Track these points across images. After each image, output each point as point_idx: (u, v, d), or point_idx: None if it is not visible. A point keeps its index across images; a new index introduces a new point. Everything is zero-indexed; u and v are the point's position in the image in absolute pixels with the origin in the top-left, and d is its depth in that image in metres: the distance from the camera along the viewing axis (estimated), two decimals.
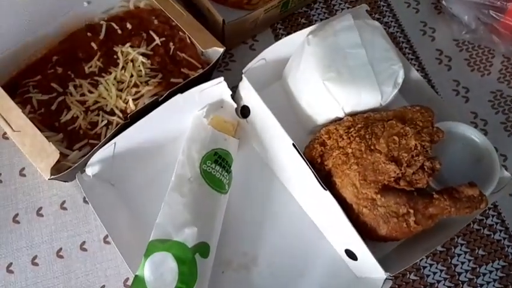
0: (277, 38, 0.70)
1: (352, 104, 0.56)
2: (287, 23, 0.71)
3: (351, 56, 0.56)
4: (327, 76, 0.55)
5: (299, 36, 0.61)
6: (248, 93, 0.58)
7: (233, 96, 0.59)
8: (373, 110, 0.56)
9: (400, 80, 0.57)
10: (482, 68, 0.70)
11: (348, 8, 0.73)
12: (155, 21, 0.62)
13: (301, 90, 0.59)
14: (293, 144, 0.53)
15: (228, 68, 0.67)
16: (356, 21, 0.59)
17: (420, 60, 0.70)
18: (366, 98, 0.55)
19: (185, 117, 0.58)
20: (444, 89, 0.68)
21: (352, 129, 0.54)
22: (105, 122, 0.54)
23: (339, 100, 0.55)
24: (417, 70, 0.68)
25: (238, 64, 0.67)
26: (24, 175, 0.56)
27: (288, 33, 0.71)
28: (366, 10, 0.65)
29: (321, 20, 0.72)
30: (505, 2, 0.66)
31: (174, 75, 0.59)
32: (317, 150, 0.56)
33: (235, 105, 0.58)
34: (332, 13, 0.72)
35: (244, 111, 0.60)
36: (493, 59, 0.71)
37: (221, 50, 0.58)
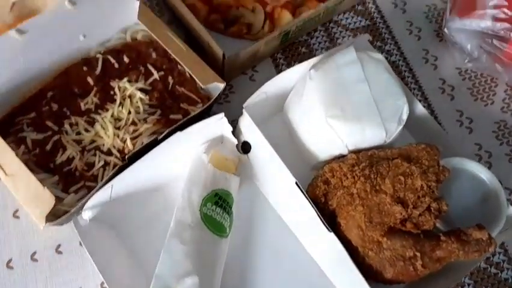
0: (277, 68, 0.69)
1: (356, 141, 0.54)
2: (287, 52, 0.70)
3: (354, 92, 0.55)
4: (330, 113, 0.54)
5: (300, 68, 0.60)
6: (249, 129, 0.57)
7: (233, 131, 0.58)
8: (377, 147, 0.55)
9: (405, 116, 0.56)
10: (485, 98, 0.69)
11: (349, 36, 0.72)
12: (154, 54, 0.60)
13: (303, 126, 0.58)
14: (296, 183, 0.52)
15: (228, 100, 0.66)
16: (359, 53, 0.57)
17: (423, 89, 0.69)
18: (370, 135, 0.54)
19: (185, 155, 0.56)
20: (447, 120, 0.67)
21: (356, 167, 0.53)
22: (102, 162, 0.52)
23: (343, 138, 0.54)
24: (420, 100, 0.67)
25: (238, 96, 0.66)
26: (18, 217, 0.54)
27: (289, 63, 0.70)
28: (368, 40, 0.64)
29: (322, 49, 0.71)
30: (508, 31, 0.65)
31: (173, 111, 0.57)
32: (321, 188, 0.54)
33: (236, 142, 0.57)
34: (333, 41, 0.71)
35: (245, 147, 0.59)
36: (496, 88, 0.70)
37: (222, 85, 0.56)
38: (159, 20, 0.59)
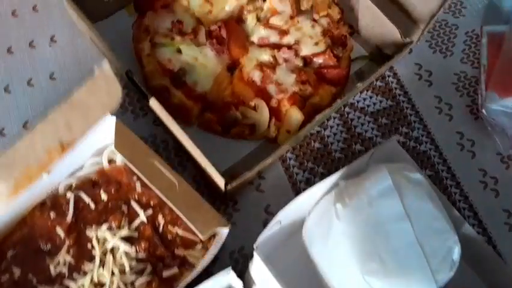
0: (287, 171, 0.57)
1: None
2: (298, 149, 0.59)
3: (394, 234, 0.44)
4: (367, 268, 0.43)
5: (320, 189, 0.49)
6: (263, 277, 0.46)
7: (243, 279, 0.47)
8: None
9: (457, 258, 0.45)
10: None
11: (368, 122, 0.60)
12: (138, 186, 0.48)
13: (332, 275, 0.46)
14: None
15: (232, 221, 0.54)
16: (394, 176, 0.46)
17: (461, 186, 0.58)
18: None
19: None
20: (494, 223, 0.56)
21: None
22: None
23: None
24: (460, 200, 0.57)
25: (244, 214, 0.54)
26: None
27: (301, 164, 0.59)
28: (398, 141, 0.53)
29: (339, 141, 0.59)
30: None
31: (167, 263, 0.46)
32: None
33: None
34: (350, 131, 0.59)
35: None
36: None
37: (226, 230, 0.45)
38: (141, 143, 0.47)
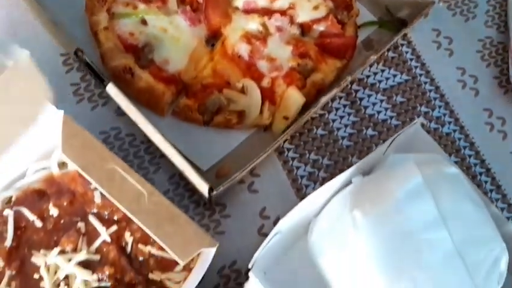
0: (285, 165, 0.47)
1: None
2: (298, 138, 0.49)
3: (428, 246, 0.35)
4: None
5: (325, 191, 0.40)
6: None
7: None
8: None
9: (504, 269, 0.36)
10: None
11: (381, 101, 0.49)
12: (97, 196, 0.37)
13: None
14: None
15: (220, 229, 0.44)
16: (424, 171, 0.37)
17: (493, 173, 0.49)
18: None
19: None
20: None
21: None
22: None
23: None
24: (491, 190, 0.48)
25: (234, 221, 0.45)
26: None
27: (301, 156, 0.49)
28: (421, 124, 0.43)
29: (346, 126, 0.48)
30: None
31: None
32: None
33: None
34: (359, 113, 0.49)
35: None
36: None
37: (213, 250, 0.36)
38: (98, 143, 0.37)
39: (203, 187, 0.37)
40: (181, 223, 0.36)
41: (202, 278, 0.41)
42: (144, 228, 0.35)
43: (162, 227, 0.35)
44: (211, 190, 0.37)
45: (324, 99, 0.42)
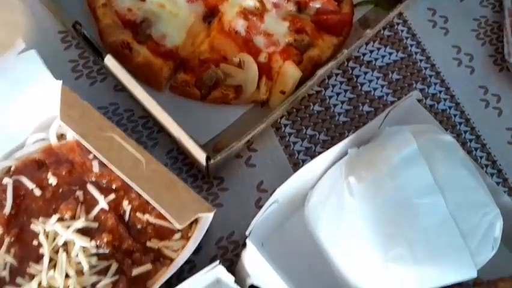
0: (282, 140, 0.48)
1: None
2: (295, 114, 0.49)
3: (423, 210, 0.35)
4: (391, 254, 0.34)
5: (321, 162, 0.40)
6: (259, 268, 0.37)
7: (232, 269, 0.38)
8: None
9: (499, 235, 0.37)
10: None
11: (377, 78, 0.50)
12: (95, 166, 0.38)
13: (344, 260, 0.37)
14: None
15: (218, 202, 0.45)
16: (419, 139, 0.37)
17: (488, 149, 0.49)
18: (453, 279, 0.35)
19: None
20: None
21: None
22: None
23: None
24: (487, 165, 0.48)
25: (232, 194, 0.45)
26: None
27: (298, 131, 0.49)
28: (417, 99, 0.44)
29: (343, 103, 0.49)
30: None
31: (136, 258, 0.37)
32: None
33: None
34: (356, 89, 0.49)
35: None
36: None
37: (210, 215, 0.36)
38: (96, 113, 0.37)
39: (201, 156, 0.37)
40: (179, 189, 0.36)
41: (201, 248, 0.42)
42: (142, 193, 0.36)
43: (160, 193, 0.36)
44: (208, 159, 0.38)
45: (320, 72, 0.42)
